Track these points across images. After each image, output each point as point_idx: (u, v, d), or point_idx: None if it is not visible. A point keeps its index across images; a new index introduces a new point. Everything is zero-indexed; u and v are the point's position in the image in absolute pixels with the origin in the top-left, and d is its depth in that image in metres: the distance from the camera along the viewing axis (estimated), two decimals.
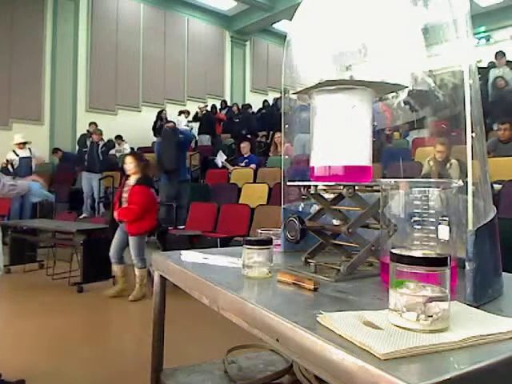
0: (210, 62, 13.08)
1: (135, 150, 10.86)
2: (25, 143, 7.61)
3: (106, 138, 9.75)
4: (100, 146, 8.01)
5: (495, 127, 6.19)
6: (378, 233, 0.99)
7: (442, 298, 0.62)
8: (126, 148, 10.63)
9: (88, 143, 8.11)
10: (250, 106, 11.48)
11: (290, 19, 1.38)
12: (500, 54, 7.74)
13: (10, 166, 7.67)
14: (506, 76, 7.30)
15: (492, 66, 7.75)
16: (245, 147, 7.84)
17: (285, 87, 1.40)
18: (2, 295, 4.14)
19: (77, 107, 10.60)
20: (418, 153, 5.34)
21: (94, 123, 9.46)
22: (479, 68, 7.56)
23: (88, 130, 9.12)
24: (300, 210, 1.38)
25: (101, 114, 10.76)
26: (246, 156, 7.73)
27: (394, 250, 0.67)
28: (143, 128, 10.86)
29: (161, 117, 10.73)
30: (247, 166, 7.49)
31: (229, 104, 12.40)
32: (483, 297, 0.77)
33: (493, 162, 4.42)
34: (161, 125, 10.49)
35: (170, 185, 6.33)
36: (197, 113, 11.09)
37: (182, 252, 1.29)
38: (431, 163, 3.25)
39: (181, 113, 11.29)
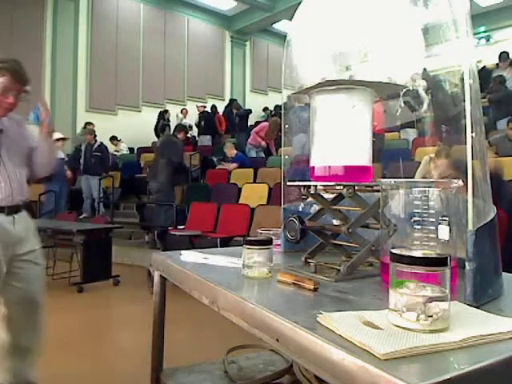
0: (210, 62, 13.08)
1: (135, 150, 10.89)
2: (64, 139, 6.80)
3: (106, 138, 9.75)
4: (94, 148, 7.81)
5: (498, 126, 6.19)
6: (378, 233, 0.99)
7: (442, 297, 0.62)
8: (123, 148, 10.62)
9: (82, 147, 7.94)
10: None
11: (290, 19, 1.38)
12: (504, 56, 7.52)
13: None
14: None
15: (488, 72, 7.56)
16: (227, 149, 7.74)
17: (285, 87, 1.40)
18: None
19: (77, 107, 10.59)
20: (417, 153, 5.35)
21: (90, 123, 9.28)
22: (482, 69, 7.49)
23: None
24: (300, 210, 1.38)
25: (101, 114, 10.76)
26: (232, 157, 7.64)
27: (394, 250, 0.67)
28: (143, 128, 10.87)
29: (163, 117, 10.70)
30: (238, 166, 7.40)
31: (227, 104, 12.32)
32: (483, 297, 0.77)
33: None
34: (163, 124, 10.47)
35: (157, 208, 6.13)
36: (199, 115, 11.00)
37: (182, 252, 1.29)
38: (432, 165, 3.23)
39: (180, 112, 11.31)
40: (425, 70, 1.26)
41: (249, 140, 8.68)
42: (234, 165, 7.36)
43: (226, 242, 4.51)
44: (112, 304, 4.34)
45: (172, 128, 9.78)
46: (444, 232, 0.82)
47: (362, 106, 1.05)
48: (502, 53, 7.66)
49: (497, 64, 7.67)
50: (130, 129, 10.92)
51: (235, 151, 7.65)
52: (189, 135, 11.10)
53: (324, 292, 0.88)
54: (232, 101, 11.83)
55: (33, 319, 1.96)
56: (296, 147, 1.50)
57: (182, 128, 6.98)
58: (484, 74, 7.39)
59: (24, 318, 1.92)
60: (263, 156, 8.43)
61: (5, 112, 1.82)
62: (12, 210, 1.85)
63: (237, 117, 10.89)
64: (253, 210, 5.19)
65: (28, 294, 1.91)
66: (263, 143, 8.50)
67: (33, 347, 1.97)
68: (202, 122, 10.77)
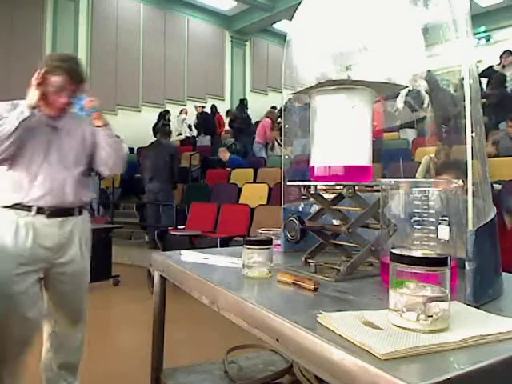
0: (210, 62, 13.07)
1: (135, 150, 10.89)
2: None
3: None
4: None
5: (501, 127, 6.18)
6: (377, 233, 0.99)
7: (442, 297, 0.62)
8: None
9: None
10: None
11: (290, 19, 1.38)
12: (507, 53, 7.46)
13: None
14: None
15: (490, 72, 7.51)
16: (220, 154, 7.75)
17: (285, 87, 1.40)
18: None
19: None
20: (417, 153, 5.35)
21: None
22: (489, 70, 7.45)
23: None
24: (300, 210, 1.38)
25: None
26: (227, 160, 7.65)
27: (393, 250, 0.67)
28: (143, 128, 10.86)
29: (164, 117, 10.68)
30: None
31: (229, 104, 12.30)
32: (483, 297, 0.77)
33: (496, 162, 4.40)
34: (163, 124, 10.46)
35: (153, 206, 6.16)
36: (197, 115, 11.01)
37: (182, 252, 1.29)
38: (431, 165, 3.23)
39: (180, 112, 11.29)
40: (429, 71, 1.26)
41: (256, 139, 8.67)
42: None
43: (226, 242, 4.50)
44: (112, 304, 4.34)
45: (172, 128, 9.77)
46: (444, 232, 0.82)
47: (362, 105, 1.05)
48: (505, 51, 7.62)
49: (503, 66, 7.64)
50: (129, 129, 10.88)
51: (228, 154, 7.68)
52: (188, 135, 11.10)
53: (324, 292, 0.88)
54: (242, 101, 11.71)
55: (69, 334, 1.86)
56: (296, 147, 1.50)
57: (166, 132, 6.96)
58: (490, 73, 7.36)
59: (63, 328, 1.85)
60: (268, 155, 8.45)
61: (58, 111, 1.74)
62: (54, 212, 1.71)
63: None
64: (253, 209, 5.19)
65: (56, 305, 1.83)
66: (272, 135, 8.47)
67: (68, 363, 1.89)
68: (201, 123, 10.76)
